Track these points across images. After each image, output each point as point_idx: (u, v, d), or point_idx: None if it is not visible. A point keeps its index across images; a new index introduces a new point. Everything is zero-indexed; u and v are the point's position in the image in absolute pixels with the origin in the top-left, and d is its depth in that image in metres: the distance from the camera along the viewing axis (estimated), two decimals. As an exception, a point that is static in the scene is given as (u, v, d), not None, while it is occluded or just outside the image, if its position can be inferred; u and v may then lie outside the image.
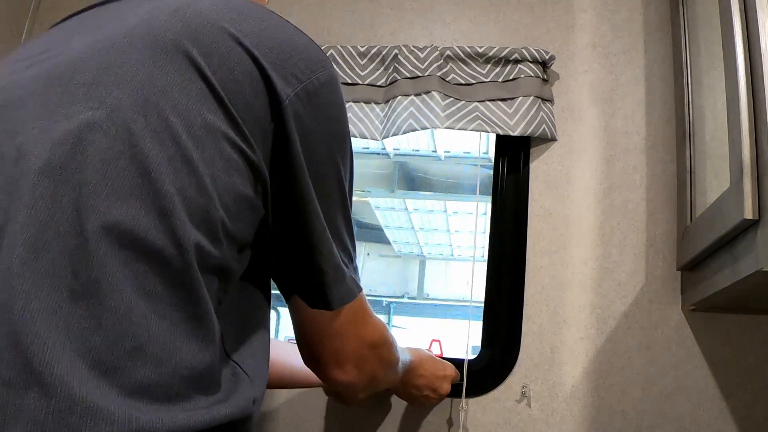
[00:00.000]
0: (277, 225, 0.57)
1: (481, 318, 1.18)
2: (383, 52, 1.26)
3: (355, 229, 0.65)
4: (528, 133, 1.16)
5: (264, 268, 0.61)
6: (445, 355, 1.13)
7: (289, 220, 0.57)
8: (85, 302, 0.42)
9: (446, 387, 1.03)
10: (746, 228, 0.76)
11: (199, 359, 0.46)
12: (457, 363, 1.09)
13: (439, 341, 1.14)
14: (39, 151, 0.46)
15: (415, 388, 0.99)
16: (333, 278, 0.60)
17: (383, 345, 0.73)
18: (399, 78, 1.22)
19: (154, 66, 0.50)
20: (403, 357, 0.86)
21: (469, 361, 1.11)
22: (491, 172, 1.27)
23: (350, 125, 1.26)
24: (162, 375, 0.43)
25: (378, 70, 1.27)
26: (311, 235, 0.58)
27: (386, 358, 0.76)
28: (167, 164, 0.47)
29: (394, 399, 1.13)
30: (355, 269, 0.65)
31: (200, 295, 0.48)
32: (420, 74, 1.21)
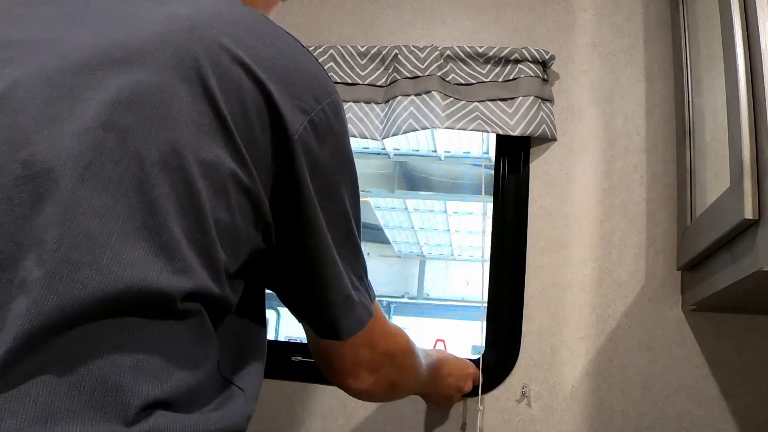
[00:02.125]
0: (284, 259, 0.56)
1: (483, 318, 1.18)
2: (383, 52, 1.26)
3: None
4: (528, 133, 1.16)
5: (260, 288, 0.60)
6: (447, 350, 1.13)
7: (298, 255, 0.56)
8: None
9: (469, 385, 1.04)
10: (746, 228, 0.76)
11: (196, 378, 0.46)
12: (473, 363, 1.09)
13: (443, 341, 1.15)
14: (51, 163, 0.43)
15: (445, 389, 1.00)
16: (342, 311, 0.59)
17: (401, 353, 0.72)
18: (399, 78, 1.22)
19: (173, 93, 0.47)
20: (428, 360, 0.85)
21: (471, 360, 1.11)
22: (491, 172, 1.27)
23: (350, 125, 1.26)
24: (163, 391, 0.43)
25: (378, 70, 1.27)
26: (321, 268, 0.57)
27: (406, 365, 0.75)
28: (175, 203, 0.45)
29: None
30: (368, 287, 0.64)
31: (205, 328, 0.48)
32: (420, 74, 1.21)
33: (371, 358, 0.66)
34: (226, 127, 0.48)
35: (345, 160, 0.58)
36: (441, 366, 0.95)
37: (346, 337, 0.61)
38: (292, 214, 0.54)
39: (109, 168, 0.43)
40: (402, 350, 0.73)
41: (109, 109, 0.45)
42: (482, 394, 1.11)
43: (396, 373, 0.72)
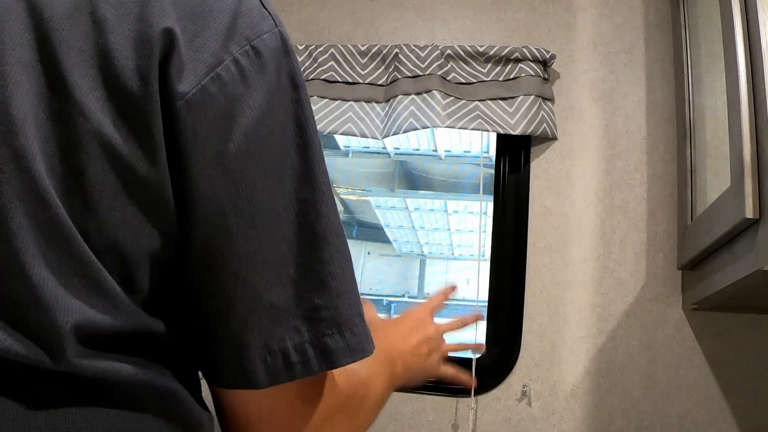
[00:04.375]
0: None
1: (484, 317, 1.18)
2: (384, 51, 1.26)
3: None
4: (528, 132, 1.16)
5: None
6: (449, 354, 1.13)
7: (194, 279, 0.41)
8: None
9: (431, 328, 0.76)
10: (747, 227, 0.76)
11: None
12: (465, 362, 1.09)
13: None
14: None
15: (414, 361, 0.73)
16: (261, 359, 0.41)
17: (354, 399, 0.52)
18: (400, 77, 1.22)
19: None
20: (374, 370, 0.60)
21: (463, 359, 1.11)
22: (492, 171, 1.27)
23: (351, 124, 1.27)
24: None
25: (379, 69, 1.27)
26: (230, 303, 0.40)
27: (357, 408, 0.54)
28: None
29: (393, 396, 1.13)
30: (324, 325, 0.42)
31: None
32: (421, 73, 1.21)
33: (316, 417, 0.46)
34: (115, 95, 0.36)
35: (282, 134, 0.41)
36: (388, 351, 0.67)
37: (269, 385, 0.41)
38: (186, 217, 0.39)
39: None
40: (351, 400, 0.52)
41: None
42: (482, 393, 1.11)
43: (349, 423, 0.52)
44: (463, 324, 0.83)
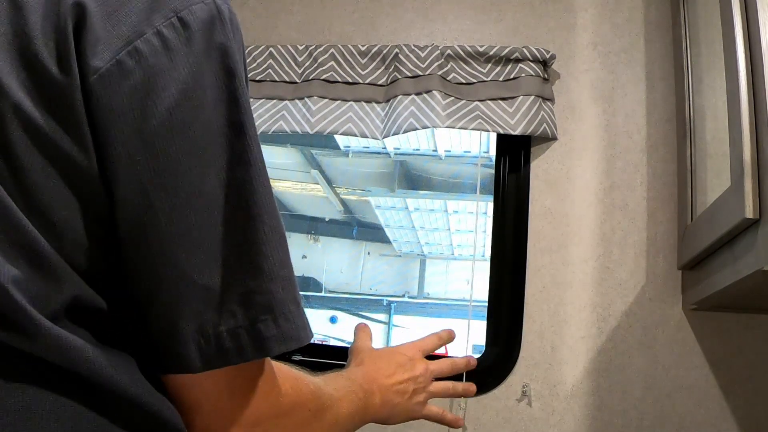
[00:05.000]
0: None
1: (483, 317, 1.18)
2: (384, 51, 1.26)
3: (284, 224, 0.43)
4: (529, 132, 1.16)
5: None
6: (449, 354, 1.13)
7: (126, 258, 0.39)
8: None
9: (419, 368, 0.73)
10: (747, 227, 0.76)
11: None
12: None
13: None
14: None
15: (394, 398, 0.70)
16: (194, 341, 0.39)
17: (299, 408, 0.48)
18: (400, 77, 1.22)
19: None
20: (341, 393, 0.57)
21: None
22: (491, 171, 1.27)
23: (351, 124, 1.27)
24: None
25: (379, 69, 1.27)
26: (158, 284, 0.39)
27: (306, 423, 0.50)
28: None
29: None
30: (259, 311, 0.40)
31: None
32: (421, 73, 1.21)
33: (249, 413, 0.43)
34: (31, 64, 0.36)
35: (213, 109, 0.39)
36: (364, 389, 0.64)
37: (202, 369, 0.39)
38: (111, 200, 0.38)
39: None
40: (300, 403, 0.49)
41: None
42: (482, 393, 1.11)
43: None
44: (454, 369, 0.79)
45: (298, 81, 1.27)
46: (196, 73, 0.38)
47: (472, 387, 0.80)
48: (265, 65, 1.30)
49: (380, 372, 0.69)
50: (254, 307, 0.40)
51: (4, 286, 0.33)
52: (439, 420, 0.77)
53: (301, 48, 1.28)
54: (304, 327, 0.43)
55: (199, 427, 0.42)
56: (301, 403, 0.49)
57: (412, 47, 1.24)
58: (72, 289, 0.37)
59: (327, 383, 0.54)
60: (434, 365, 0.76)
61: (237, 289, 0.40)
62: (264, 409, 0.44)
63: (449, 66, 1.23)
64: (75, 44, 0.36)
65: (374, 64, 1.27)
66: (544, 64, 1.21)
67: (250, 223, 0.40)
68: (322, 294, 5.88)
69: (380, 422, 0.69)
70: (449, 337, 0.80)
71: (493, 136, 1.32)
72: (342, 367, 0.67)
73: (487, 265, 1.22)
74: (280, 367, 0.47)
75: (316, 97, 1.24)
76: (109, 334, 0.39)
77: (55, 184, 0.36)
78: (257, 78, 1.30)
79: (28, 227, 0.35)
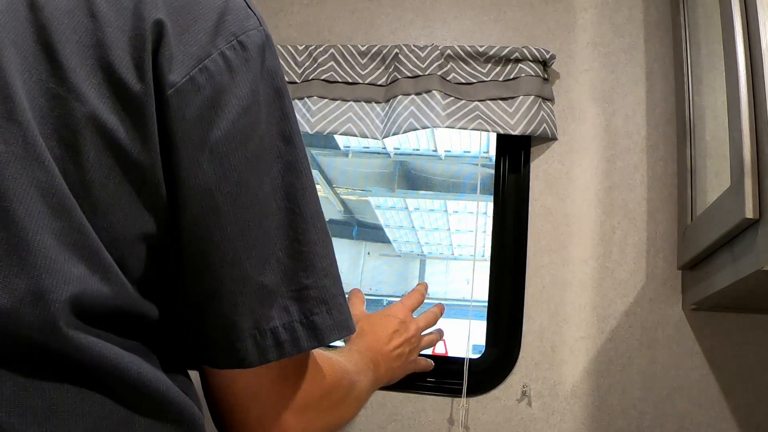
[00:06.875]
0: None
1: (482, 317, 1.18)
2: (384, 51, 1.26)
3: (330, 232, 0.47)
4: (528, 132, 1.16)
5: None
6: (448, 354, 1.13)
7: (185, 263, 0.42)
8: None
9: (411, 329, 0.82)
10: (747, 227, 0.76)
11: None
12: (458, 362, 1.09)
13: (443, 339, 1.14)
14: None
15: (395, 362, 0.78)
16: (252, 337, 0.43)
17: (334, 388, 0.53)
18: (399, 77, 1.22)
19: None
20: (360, 367, 0.64)
21: (472, 360, 1.11)
22: (491, 170, 1.27)
23: (351, 124, 1.26)
24: None
25: (378, 69, 1.27)
26: (220, 284, 0.42)
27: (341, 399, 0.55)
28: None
29: (393, 397, 1.13)
30: (310, 310, 0.44)
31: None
32: (420, 73, 1.21)
33: (300, 396, 0.47)
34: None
35: (267, 123, 0.43)
36: (373, 361, 0.69)
37: (259, 363, 0.42)
38: (176, 205, 0.41)
39: None
40: (335, 383, 0.53)
41: None
42: (482, 393, 1.11)
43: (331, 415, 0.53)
44: (435, 318, 0.93)
45: (297, 81, 1.27)
46: (254, 92, 0.42)
47: (440, 307, 0.97)
48: (264, 65, 1.29)
49: (380, 341, 0.76)
50: (309, 301, 0.44)
51: (60, 293, 0.35)
52: (424, 369, 0.95)
53: (300, 48, 1.28)
54: (351, 317, 0.47)
55: (256, 415, 0.45)
56: (338, 382, 0.54)
57: (412, 47, 1.24)
58: (117, 291, 0.38)
59: (347, 360, 0.60)
60: (422, 321, 0.88)
61: (292, 285, 0.43)
62: (312, 392, 0.48)
63: (449, 66, 1.23)
64: (154, 58, 0.39)
65: (374, 64, 1.27)
66: (544, 64, 1.21)
67: (303, 226, 0.44)
68: (322, 294, 5.86)
69: (384, 385, 0.77)
70: (424, 288, 0.94)
71: (493, 136, 1.32)
72: None
73: (487, 265, 1.22)
74: (315, 351, 0.50)
75: (315, 97, 1.24)
76: (135, 332, 0.41)
77: (118, 185, 0.38)
78: (257, 78, 1.29)
79: (88, 228, 0.37)
